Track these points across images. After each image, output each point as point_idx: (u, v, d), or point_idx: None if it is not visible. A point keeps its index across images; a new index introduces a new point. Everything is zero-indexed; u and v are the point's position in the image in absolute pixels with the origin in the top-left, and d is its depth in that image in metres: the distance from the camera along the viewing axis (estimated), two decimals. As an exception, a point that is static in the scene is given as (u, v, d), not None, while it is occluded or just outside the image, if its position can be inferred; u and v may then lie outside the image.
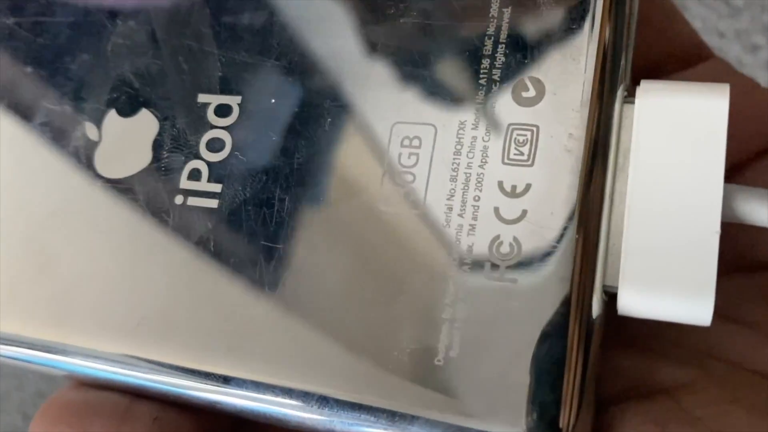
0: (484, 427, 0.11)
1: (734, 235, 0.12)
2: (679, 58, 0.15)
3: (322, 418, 0.12)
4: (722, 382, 0.12)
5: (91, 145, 0.14)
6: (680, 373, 0.12)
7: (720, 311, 0.12)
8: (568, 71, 0.12)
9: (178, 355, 0.12)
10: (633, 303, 0.11)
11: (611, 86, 0.12)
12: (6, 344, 0.13)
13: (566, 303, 0.11)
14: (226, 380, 0.12)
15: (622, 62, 0.12)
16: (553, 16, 0.12)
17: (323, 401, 0.12)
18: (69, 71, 0.14)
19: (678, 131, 0.11)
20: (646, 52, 0.14)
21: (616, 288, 0.11)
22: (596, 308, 0.11)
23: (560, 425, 0.11)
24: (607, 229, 0.11)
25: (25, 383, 0.36)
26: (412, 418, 0.11)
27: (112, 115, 0.14)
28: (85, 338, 0.13)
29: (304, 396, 0.12)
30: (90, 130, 0.14)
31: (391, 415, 0.11)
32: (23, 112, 0.15)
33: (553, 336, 0.11)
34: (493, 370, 0.11)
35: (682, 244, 0.11)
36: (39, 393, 0.36)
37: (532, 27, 0.12)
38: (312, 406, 0.12)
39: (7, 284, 0.14)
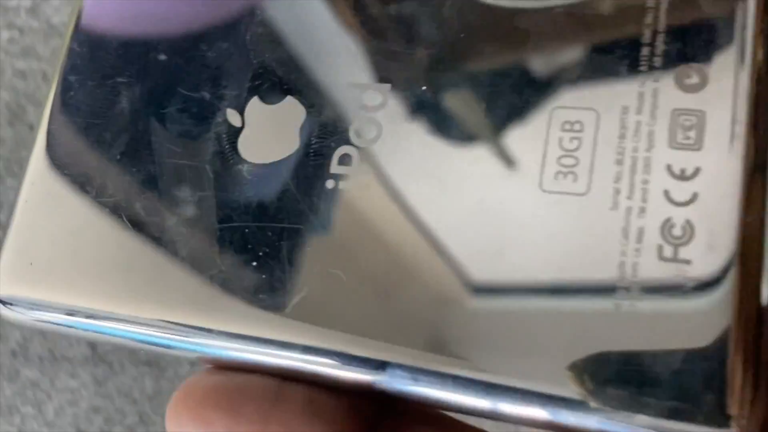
0: (654, 414, 0.11)
1: None
2: None
3: (487, 403, 0.12)
4: None
5: (234, 131, 0.14)
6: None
7: None
8: (730, 59, 0.12)
9: (337, 341, 0.12)
10: (803, 286, 0.11)
11: (770, 73, 0.12)
12: (153, 328, 0.13)
13: (738, 284, 0.11)
14: (383, 365, 0.12)
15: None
16: (711, 5, 0.12)
17: (491, 387, 0.12)
18: (207, 59, 0.15)
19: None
20: None
21: (785, 272, 0.11)
22: (767, 291, 0.11)
23: (731, 413, 0.11)
24: (774, 213, 0.12)
25: (79, 399, 0.36)
26: (580, 403, 0.11)
27: (254, 102, 0.14)
28: (237, 322, 0.13)
29: (466, 382, 0.12)
30: (232, 116, 0.14)
31: (562, 401, 0.11)
32: (161, 99, 0.15)
33: (727, 318, 0.11)
34: (668, 352, 0.11)
35: None
36: (93, 408, 0.36)
37: (689, 15, 0.12)
38: (477, 392, 0.12)
39: (144, 272, 0.14)
